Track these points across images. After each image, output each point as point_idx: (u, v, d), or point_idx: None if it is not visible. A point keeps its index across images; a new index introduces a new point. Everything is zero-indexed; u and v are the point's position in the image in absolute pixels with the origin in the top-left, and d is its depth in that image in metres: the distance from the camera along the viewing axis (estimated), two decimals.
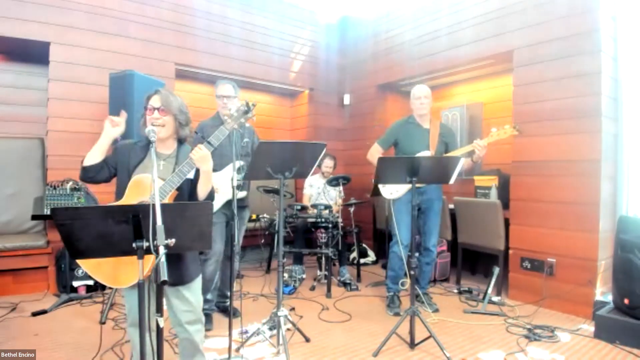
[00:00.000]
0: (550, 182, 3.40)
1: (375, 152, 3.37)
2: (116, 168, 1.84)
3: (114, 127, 1.81)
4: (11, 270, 3.44)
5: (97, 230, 1.37)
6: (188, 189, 1.85)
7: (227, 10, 4.80)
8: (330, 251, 3.88)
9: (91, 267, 1.67)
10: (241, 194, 2.97)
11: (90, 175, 1.80)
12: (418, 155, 3.12)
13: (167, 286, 1.75)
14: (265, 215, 4.67)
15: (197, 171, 1.84)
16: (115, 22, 4.01)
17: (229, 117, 2.01)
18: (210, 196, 1.92)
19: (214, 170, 2.97)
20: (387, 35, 5.19)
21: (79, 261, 1.68)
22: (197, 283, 1.89)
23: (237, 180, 2.91)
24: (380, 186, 3.30)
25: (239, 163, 2.97)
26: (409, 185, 3.19)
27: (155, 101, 1.81)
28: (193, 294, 1.86)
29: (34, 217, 3.43)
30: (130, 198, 1.73)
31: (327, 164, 4.59)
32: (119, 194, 1.81)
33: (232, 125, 1.98)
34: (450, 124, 4.88)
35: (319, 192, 4.60)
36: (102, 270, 1.67)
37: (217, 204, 2.91)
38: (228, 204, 2.92)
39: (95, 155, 1.79)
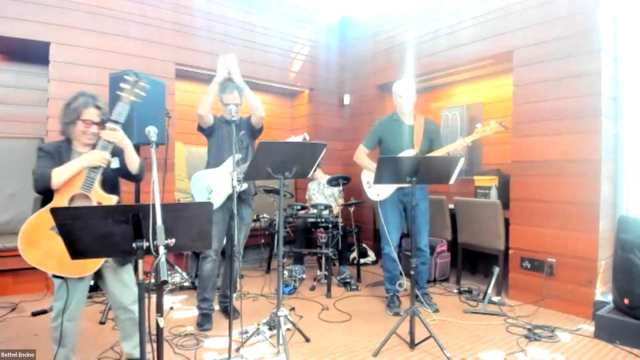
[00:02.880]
0: (550, 182, 3.40)
1: (360, 154, 3.37)
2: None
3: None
4: (11, 270, 3.44)
5: (97, 230, 1.38)
6: (115, 174, 2.09)
7: (227, 10, 4.80)
8: (330, 251, 3.88)
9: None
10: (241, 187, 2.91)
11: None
12: (402, 155, 3.12)
13: (108, 271, 2.03)
14: (265, 215, 4.68)
15: (121, 159, 2.05)
16: (116, 22, 4.01)
17: (120, 93, 2.07)
18: (141, 168, 2.13)
19: (214, 166, 2.98)
20: (387, 35, 5.19)
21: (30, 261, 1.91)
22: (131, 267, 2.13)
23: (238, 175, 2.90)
24: (366, 187, 3.29)
25: (237, 156, 2.95)
26: (395, 186, 3.20)
27: (94, 116, 1.99)
28: (129, 275, 2.10)
29: None
30: (63, 195, 1.91)
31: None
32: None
33: (129, 98, 2.07)
34: (450, 124, 4.88)
35: (319, 191, 4.62)
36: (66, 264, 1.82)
37: (218, 200, 2.91)
38: (229, 200, 2.92)
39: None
